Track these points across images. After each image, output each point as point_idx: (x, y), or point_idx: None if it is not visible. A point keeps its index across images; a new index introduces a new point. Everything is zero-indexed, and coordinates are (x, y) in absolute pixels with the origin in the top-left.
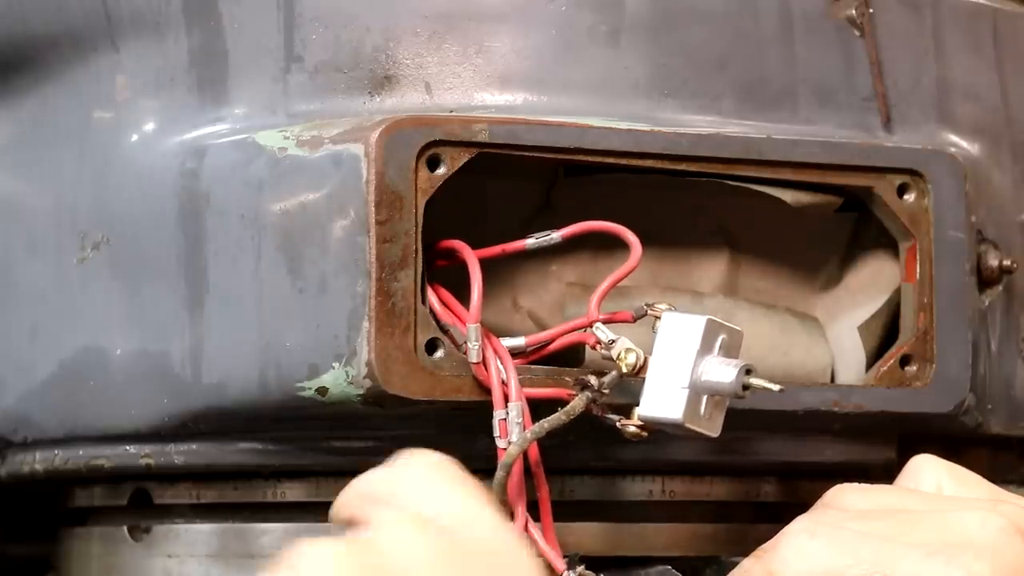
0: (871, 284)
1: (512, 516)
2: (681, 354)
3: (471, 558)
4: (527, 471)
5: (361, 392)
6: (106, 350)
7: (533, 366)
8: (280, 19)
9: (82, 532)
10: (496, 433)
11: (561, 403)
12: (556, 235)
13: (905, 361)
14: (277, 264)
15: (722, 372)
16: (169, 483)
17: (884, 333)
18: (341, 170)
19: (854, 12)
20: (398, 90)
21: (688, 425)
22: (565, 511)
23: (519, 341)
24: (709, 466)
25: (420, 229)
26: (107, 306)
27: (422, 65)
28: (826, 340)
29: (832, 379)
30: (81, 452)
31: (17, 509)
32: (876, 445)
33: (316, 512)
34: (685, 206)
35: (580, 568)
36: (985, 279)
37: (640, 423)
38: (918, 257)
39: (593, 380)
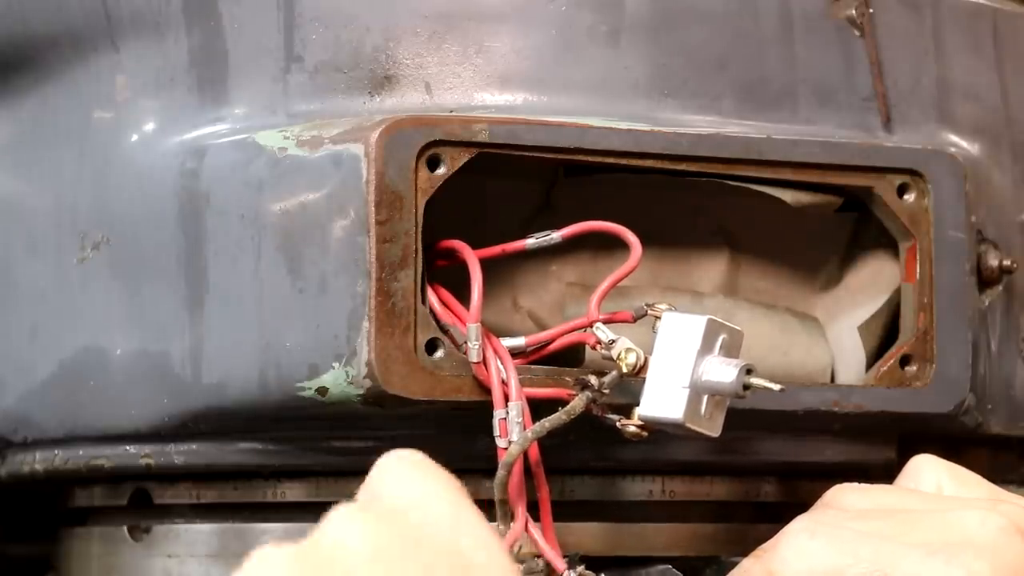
0: (871, 284)
1: (513, 516)
2: (682, 354)
3: (422, 548)
4: (527, 471)
5: (361, 392)
6: (106, 350)
7: (533, 366)
8: (280, 19)
9: (82, 532)
10: (496, 433)
11: (561, 403)
12: (556, 235)
13: (905, 361)
14: (277, 264)
15: (723, 372)
16: (169, 483)
17: (884, 333)
18: (341, 170)
19: (854, 12)
20: (398, 90)
21: (689, 425)
22: (565, 511)
23: (519, 341)
24: (709, 466)
25: (420, 229)
26: (107, 306)
27: (422, 65)
28: (826, 340)
29: (832, 379)
30: (81, 452)
31: (17, 509)
32: (876, 445)
33: (316, 512)
34: (685, 206)
35: (580, 568)
36: (985, 279)
37: (640, 423)
38: (918, 257)
39: (593, 380)
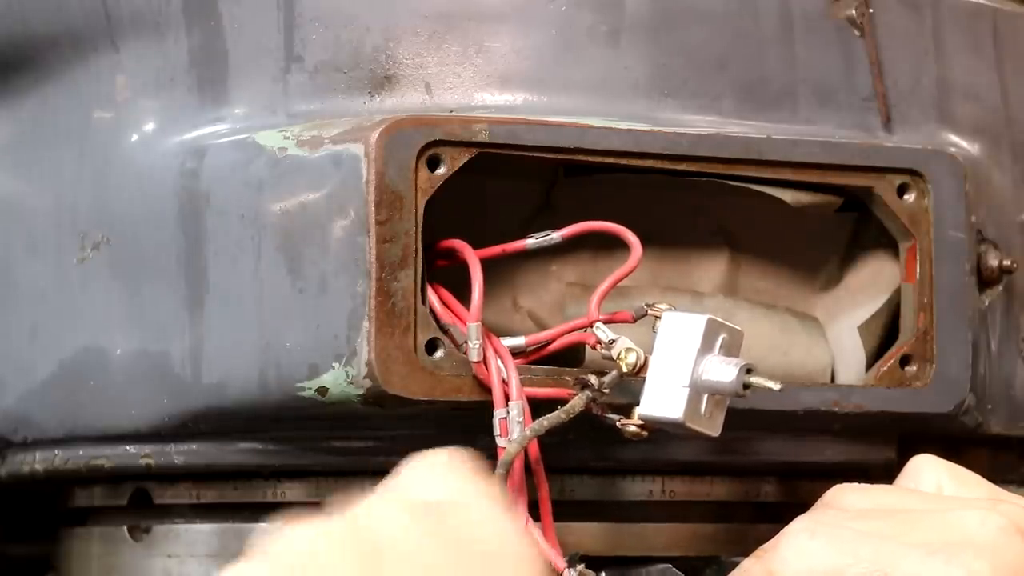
0: (871, 284)
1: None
2: (682, 353)
3: (462, 542)
4: (527, 469)
5: (361, 392)
6: (106, 350)
7: (533, 366)
8: (280, 19)
9: (82, 532)
10: (496, 432)
11: (561, 402)
12: (556, 235)
13: (905, 361)
14: (277, 264)
15: (723, 371)
16: (169, 483)
17: (884, 333)
18: (341, 170)
19: (854, 12)
20: (398, 90)
21: (689, 424)
22: (565, 511)
23: (519, 341)
24: (709, 466)
25: (420, 229)
26: (107, 306)
27: (422, 65)
28: (826, 340)
29: (832, 379)
30: (81, 452)
31: (17, 509)
32: (876, 445)
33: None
34: (685, 206)
35: (580, 567)
36: (985, 279)
37: (640, 423)
38: (918, 257)
39: (593, 379)
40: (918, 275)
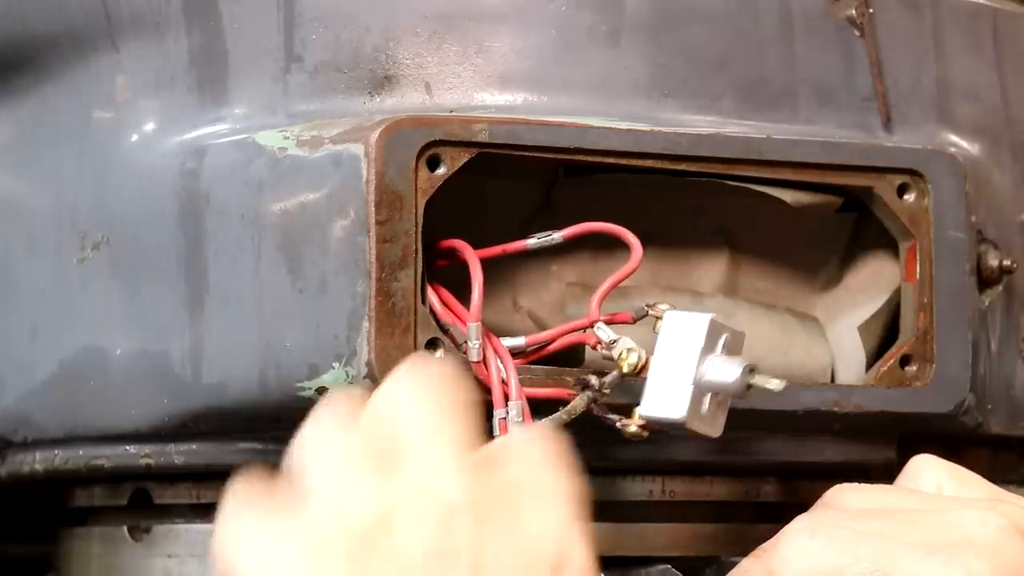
0: (871, 284)
1: None
2: (684, 353)
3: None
4: None
5: None
6: (106, 350)
7: (533, 366)
8: (280, 19)
9: (82, 532)
10: (496, 432)
11: (561, 403)
12: (557, 235)
13: (905, 361)
14: (277, 264)
15: (725, 371)
16: (169, 483)
17: (884, 333)
18: (341, 170)
19: (854, 12)
20: (398, 90)
21: (691, 425)
22: None
23: (519, 341)
24: (709, 466)
25: (420, 229)
26: (107, 306)
27: (422, 65)
28: (826, 340)
29: (832, 379)
30: (81, 452)
31: (17, 509)
32: (876, 445)
33: None
34: (685, 206)
35: None
36: (985, 279)
37: (641, 423)
38: (918, 257)
39: (594, 380)
40: (918, 275)
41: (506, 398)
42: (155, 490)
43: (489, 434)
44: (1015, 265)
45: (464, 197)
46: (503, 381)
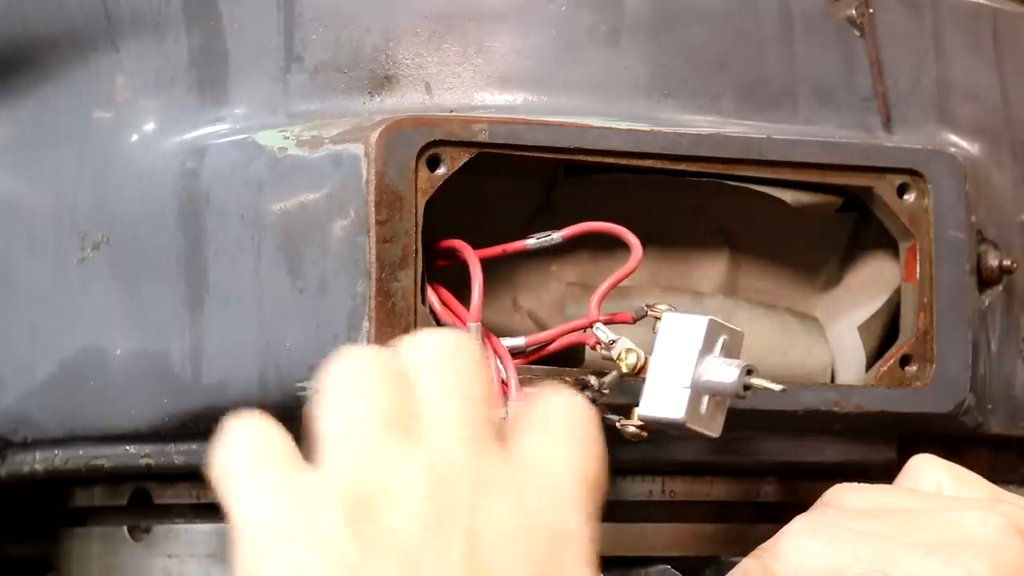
0: (871, 284)
1: None
2: (682, 354)
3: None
4: None
5: None
6: (106, 350)
7: (533, 366)
8: (280, 19)
9: (82, 532)
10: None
11: None
12: (557, 235)
13: (905, 361)
14: (277, 264)
15: (724, 372)
16: (169, 483)
17: (884, 333)
18: (341, 170)
19: (854, 12)
20: (398, 90)
21: (689, 425)
22: None
23: (519, 341)
24: (709, 466)
25: (420, 229)
26: (107, 306)
27: (422, 65)
28: (826, 340)
29: (832, 379)
30: (81, 452)
31: (17, 509)
32: (876, 445)
33: None
34: (685, 206)
35: None
36: (985, 279)
37: (640, 423)
38: (918, 257)
39: (593, 380)
40: (918, 275)
41: (506, 398)
42: (155, 490)
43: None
44: (1015, 265)
45: (464, 197)
46: (503, 381)
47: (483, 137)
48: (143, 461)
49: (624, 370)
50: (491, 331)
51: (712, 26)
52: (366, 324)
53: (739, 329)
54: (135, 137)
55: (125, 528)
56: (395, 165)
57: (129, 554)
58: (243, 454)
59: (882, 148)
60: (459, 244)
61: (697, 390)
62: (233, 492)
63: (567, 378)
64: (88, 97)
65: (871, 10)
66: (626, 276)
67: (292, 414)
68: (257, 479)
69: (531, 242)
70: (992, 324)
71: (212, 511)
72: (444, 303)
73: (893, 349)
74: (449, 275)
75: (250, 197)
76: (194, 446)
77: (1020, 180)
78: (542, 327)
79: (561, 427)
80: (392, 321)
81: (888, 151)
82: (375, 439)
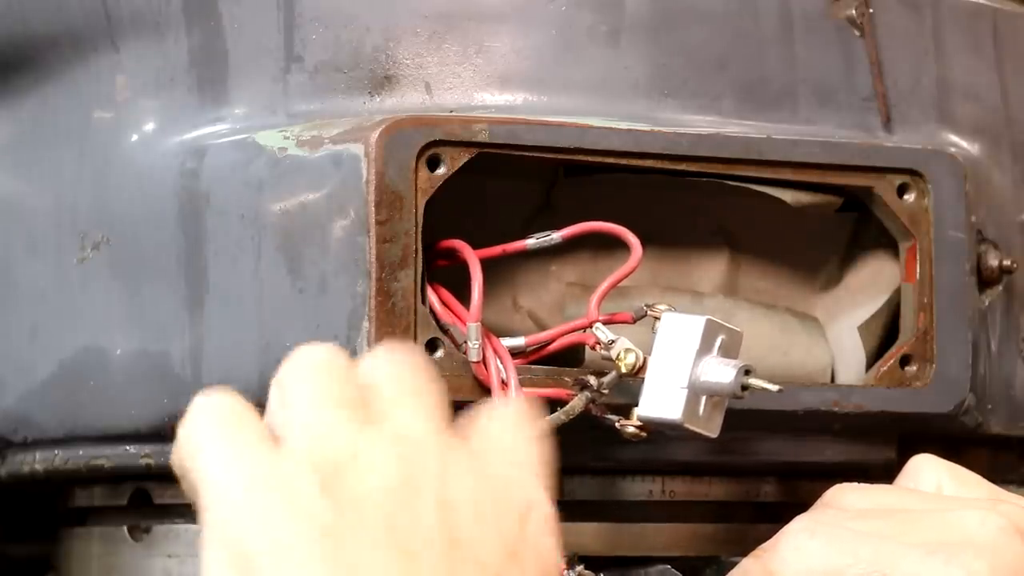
0: (871, 284)
1: None
2: (680, 354)
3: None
4: None
5: None
6: (106, 350)
7: (533, 366)
8: (280, 19)
9: (82, 532)
10: None
11: (561, 403)
12: (556, 235)
13: (905, 361)
14: (277, 264)
15: (721, 372)
16: (169, 483)
17: (884, 333)
18: (341, 170)
19: (854, 12)
20: (398, 90)
21: (687, 425)
22: (565, 511)
23: (519, 341)
24: (709, 466)
25: (420, 229)
26: (107, 306)
27: (422, 65)
28: (826, 340)
29: (832, 379)
30: (81, 452)
31: (17, 509)
32: (876, 445)
33: None
34: (685, 206)
35: (580, 568)
36: (985, 279)
37: (639, 423)
38: (918, 257)
39: (592, 380)
40: (918, 275)
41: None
42: (155, 490)
43: None
44: (1015, 265)
45: (464, 197)
46: (503, 381)
47: (483, 137)
48: (143, 461)
49: (623, 370)
50: (491, 331)
51: (712, 26)
52: (366, 324)
53: (738, 329)
54: (135, 137)
55: (125, 528)
56: (395, 165)
57: (129, 554)
58: (213, 426)
59: (882, 148)
60: (459, 244)
61: (694, 390)
62: (205, 464)
63: (567, 378)
64: (88, 97)
65: (871, 10)
66: (626, 276)
67: None
68: (228, 450)
69: (531, 242)
70: (992, 324)
71: None
72: (444, 303)
73: (893, 349)
74: (449, 275)
75: (250, 197)
76: None
77: (1020, 180)
78: (542, 327)
79: (511, 416)
80: (392, 321)
81: (888, 151)
82: (339, 417)
